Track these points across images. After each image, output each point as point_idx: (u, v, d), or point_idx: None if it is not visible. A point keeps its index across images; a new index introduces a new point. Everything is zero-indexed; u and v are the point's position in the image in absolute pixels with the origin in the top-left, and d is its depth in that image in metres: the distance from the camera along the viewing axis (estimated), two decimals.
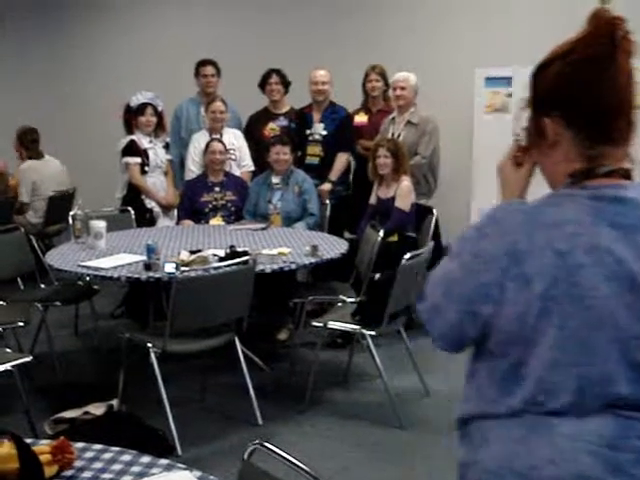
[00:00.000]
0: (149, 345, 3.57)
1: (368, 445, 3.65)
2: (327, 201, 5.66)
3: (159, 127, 5.84)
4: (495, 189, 6.15)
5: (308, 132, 5.88)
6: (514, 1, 7.21)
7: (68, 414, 3.62)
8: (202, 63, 6.23)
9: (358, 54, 7.24)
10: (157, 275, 3.77)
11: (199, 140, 5.85)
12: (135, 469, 1.77)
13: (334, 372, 4.51)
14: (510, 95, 7.10)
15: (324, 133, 5.84)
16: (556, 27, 6.81)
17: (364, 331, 3.83)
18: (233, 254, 3.92)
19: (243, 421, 3.85)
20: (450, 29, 7.43)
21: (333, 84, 5.97)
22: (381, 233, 4.39)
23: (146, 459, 1.81)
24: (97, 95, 8.48)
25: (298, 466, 1.58)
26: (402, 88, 5.55)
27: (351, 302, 4.27)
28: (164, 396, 3.56)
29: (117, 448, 1.87)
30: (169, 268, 3.75)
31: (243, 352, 3.95)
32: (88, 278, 4.26)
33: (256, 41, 7.78)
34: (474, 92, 7.20)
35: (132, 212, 5.50)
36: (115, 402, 3.71)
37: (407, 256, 3.74)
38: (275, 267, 3.93)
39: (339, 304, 4.32)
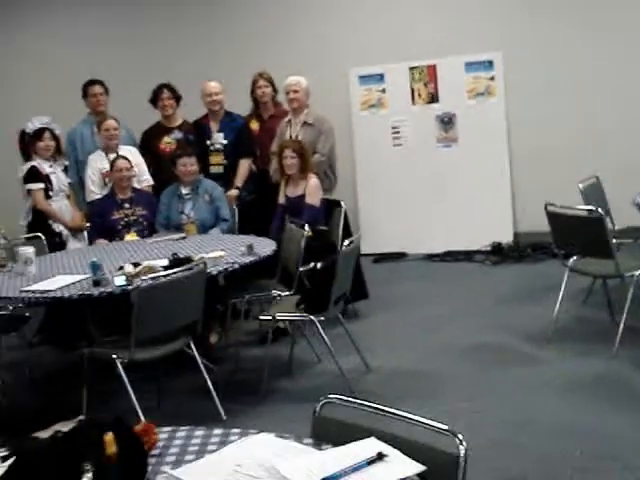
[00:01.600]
0: (114, 357, 3.67)
1: None
2: (234, 206, 5.87)
3: (57, 151, 5.84)
4: (377, 178, 6.64)
5: (208, 142, 6.06)
6: (380, 5, 7.68)
7: (39, 435, 3.64)
8: (89, 83, 6.29)
9: (234, 61, 7.51)
10: (109, 290, 3.86)
11: (95, 160, 5.92)
12: (214, 440, 1.96)
13: (274, 364, 4.71)
14: (384, 91, 7.56)
15: (224, 142, 6.04)
16: (419, 26, 7.39)
17: (313, 317, 4.09)
18: (177, 261, 4.07)
19: (208, 419, 4.00)
20: (323, 31, 7.81)
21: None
22: (307, 228, 4.63)
23: (218, 431, 2.00)
24: None
25: (378, 408, 1.83)
26: (295, 91, 5.84)
27: (287, 295, 4.53)
28: (136, 403, 3.67)
29: (186, 427, 2.05)
30: (120, 281, 3.86)
31: (191, 355, 4.11)
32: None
33: (140, 56, 7.95)
34: (350, 90, 7.63)
35: (43, 238, 5.47)
36: (82, 418, 3.76)
37: (346, 242, 4.02)
38: (220, 268, 4.11)
39: (278, 298, 4.54)
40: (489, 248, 7.24)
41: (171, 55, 7.95)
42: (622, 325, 4.39)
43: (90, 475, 1.56)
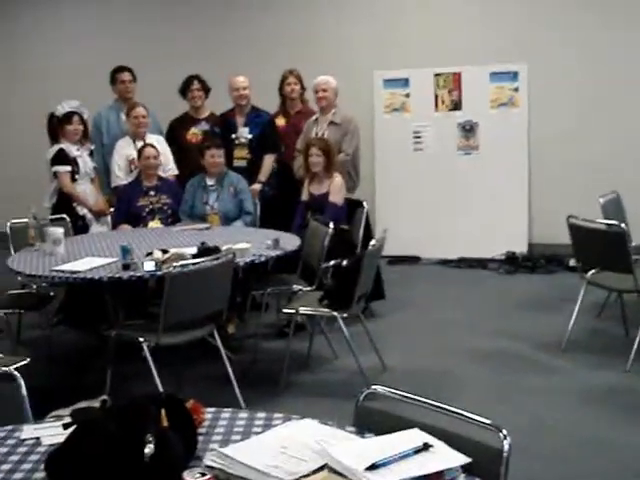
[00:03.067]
0: (141, 340, 3.74)
1: (348, 417, 3.96)
2: (257, 201, 5.94)
3: (84, 135, 5.91)
4: (395, 182, 6.77)
5: (233, 136, 6.12)
6: (409, 10, 7.75)
7: (62, 412, 3.71)
8: (118, 70, 6.36)
9: (262, 60, 7.60)
10: (138, 274, 3.93)
11: (123, 146, 5.99)
12: (258, 422, 2.03)
13: (292, 357, 4.77)
14: (408, 95, 7.63)
15: (249, 137, 6.11)
16: (447, 33, 7.46)
17: (335, 314, 4.16)
18: (206, 250, 4.14)
19: (226, 407, 4.06)
20: (350, 33, 7.89)
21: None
22: (332, 225, 4.69)
23: (262, 414, 2.07)
24: None
25: (415, 399, 1.89)
26: (324, 90, 5.91)
27: (308, 290, 4.60)
28: (159, 385, 3.73)
29: (231, 409, 2.12)
30: (149, 266, 3.93)
31: (212, 344, 4.18)
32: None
33: (169, 46, 8.06)
34: (374, 93, 7.70)
35: (68, 220, 5.54)
36: (106, 397, 3.82)
37: (372, 242, 4.09)
38: (247, 260, 4.18)
39: (300, 293, 4.61)
40: (503, 257, 7.31)
41: (200, 48, 8.05)
42: (638, 340, 4.45)
43: (152, 446, 1.62)
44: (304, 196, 5.65)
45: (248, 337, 5.16)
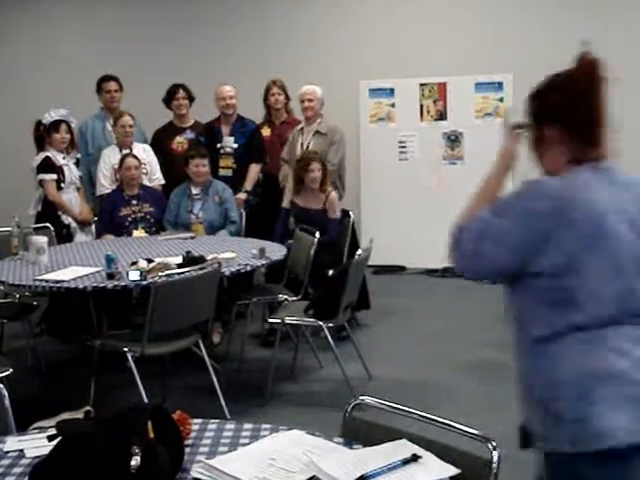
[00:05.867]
0: (125, 350, 3.71)
1: (335, 427, 3.94)
2: (242, 210, 5.93)
3: (71, 144, 5.88)
4: (381, 191, 6.78)
5: (219, 145, 6.11)
6: (394, 20, 7.78)
7: (45, 423, 3.67)
8: (105, 79, 6.32)
9: (246, 70, 7.60)
10: (123, 283, 3.90)
11: (109, 155, 5.95)
12: (245, 433, 2.01)
13: (277, 367, 4.75)
14: (393, 105, 7.65)
15: (235, 146, 6.10)
16: (432, 44, 7.48)
17: (321, 323, 4.14)
18: (191, 259, 4.12)
19: (212, 418, 4.03)
20: (335, 44, 7.91)
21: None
22: (317, 235, 4.68)
23: (249, 425, 2.06)
24: None
25: (404, 410, 1.89)
26: (310, 100, 5.91)
27: (294, 300, 4.59)
28: (144, 396, 3.71)
29: (217, 420, 2.10)
30: (134, 276, 3.90)
31: (197, 354, 4.16)
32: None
33: (152, 56, 8.03)
34: (359, 103, 7.71)
35: (52, 228, 5.50)
36: (90, 408, 3.79)
37: (359, 252, 4.09)
38: (233, 269, 4.16)
39: (286, 303, 4.60)
40: None
41: (183, 57, 8.05)
42: None
43: (138, 458, 1.61)
44: (285, 203, 5.63)
45: (233, 347, 5.11)
